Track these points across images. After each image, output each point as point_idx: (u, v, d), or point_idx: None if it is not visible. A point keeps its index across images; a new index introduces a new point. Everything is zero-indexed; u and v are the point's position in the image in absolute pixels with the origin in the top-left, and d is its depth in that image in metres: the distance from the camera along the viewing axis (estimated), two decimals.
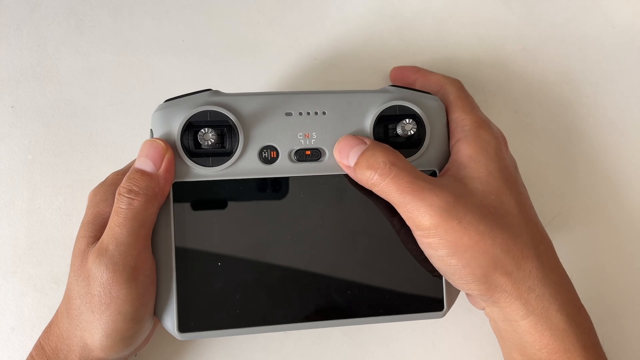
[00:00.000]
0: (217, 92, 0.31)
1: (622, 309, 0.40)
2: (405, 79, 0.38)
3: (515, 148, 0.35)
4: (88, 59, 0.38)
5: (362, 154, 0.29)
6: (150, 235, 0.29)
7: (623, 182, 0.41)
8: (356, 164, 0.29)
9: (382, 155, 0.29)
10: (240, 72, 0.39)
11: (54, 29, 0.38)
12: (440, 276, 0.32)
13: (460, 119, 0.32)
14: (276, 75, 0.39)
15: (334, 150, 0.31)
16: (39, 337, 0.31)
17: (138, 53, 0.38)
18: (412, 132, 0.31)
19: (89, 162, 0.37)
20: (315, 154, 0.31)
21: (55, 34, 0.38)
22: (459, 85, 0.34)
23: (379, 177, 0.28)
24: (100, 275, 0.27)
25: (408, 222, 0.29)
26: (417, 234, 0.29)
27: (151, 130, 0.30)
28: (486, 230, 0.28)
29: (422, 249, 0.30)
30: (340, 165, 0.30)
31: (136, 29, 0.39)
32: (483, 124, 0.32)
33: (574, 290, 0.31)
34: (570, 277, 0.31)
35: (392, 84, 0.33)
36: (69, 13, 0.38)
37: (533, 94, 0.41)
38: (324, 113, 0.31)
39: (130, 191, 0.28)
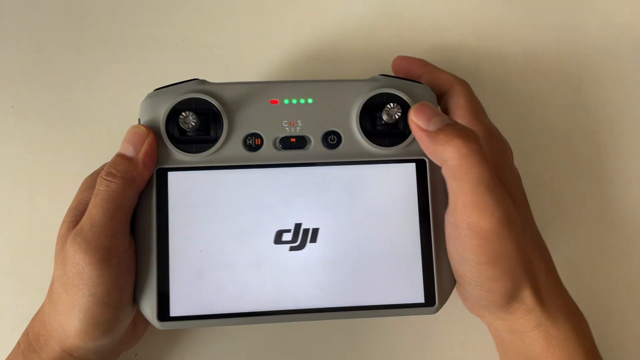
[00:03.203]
0: (203, 81, 0.31)
1: (621, 309, 0.40)
2: (410, 71, 0.35)
3: (515, 148, 0.35)
4: (88, 59, 0.38)
5: (454, 124, 0.27)
6: (128, 219, 0.29)
7: (623, 182, 0.41)
8: (441, 130, 0.27)
9: (474, 135, 0.27)
10: (240, 72, 0.39)
11: (54, 29, 0.38)
12: (431, 271, 0.30)
13: (472, 125, 0.31)
14: (276, 75, 0.39)
15: (410, 110, 0.28)
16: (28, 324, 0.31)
17: (138, 53, 0.38)
18: (397, 116, 0.30)
19: (89, 162, 0.37)
20: (300, 142, 0.30)
21: (55, 34, 0.38)
22: (469, 88, 0.34)
23: (469, 151, 0.26)
24: (73, 255, 0.27)
25: (461, 216, 0.27)
26: (464, 232, 0.27)
27: (139, 118, 0.30)
28: (521, 242, 0.28)
29: (459, 249, 0.28)
30: (412, 125, 0.28)
31: (136, 29, 0.39)
32: (494, 132, 0.32)
33: (571, 296, 0.31)
34: (569, 277, 0.31)
35: (381, 74, 0.32)
36: (69, 13, 0.38)
37: (533, 94, 0.41)
38: (310, 101, 0.30)
39: (109, 174, 0.28)
